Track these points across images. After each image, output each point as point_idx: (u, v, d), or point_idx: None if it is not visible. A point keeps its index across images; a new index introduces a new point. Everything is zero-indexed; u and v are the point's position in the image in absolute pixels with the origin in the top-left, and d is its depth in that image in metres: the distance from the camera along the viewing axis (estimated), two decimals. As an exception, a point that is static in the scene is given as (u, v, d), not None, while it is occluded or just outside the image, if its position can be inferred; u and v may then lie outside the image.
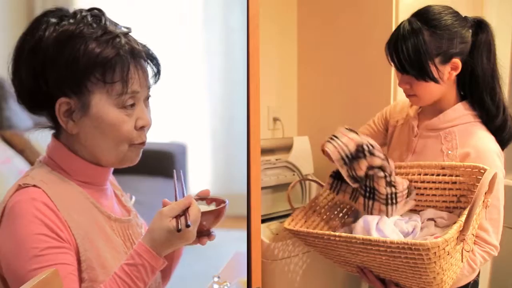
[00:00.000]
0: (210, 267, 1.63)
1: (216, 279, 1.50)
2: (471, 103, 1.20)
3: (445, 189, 1.15)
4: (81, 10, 0.82)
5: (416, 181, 1.19)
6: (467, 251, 1.01)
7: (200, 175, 3.17)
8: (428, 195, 1.19)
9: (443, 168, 1.14)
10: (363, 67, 1.78)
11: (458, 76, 1.18)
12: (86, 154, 0.84)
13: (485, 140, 1.16)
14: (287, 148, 1.96)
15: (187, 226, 0.77)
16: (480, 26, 1.18)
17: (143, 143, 0.87)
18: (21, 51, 0.80)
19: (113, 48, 0.80)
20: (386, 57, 1.20)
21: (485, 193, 1.02)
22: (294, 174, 1.87)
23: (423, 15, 1.16)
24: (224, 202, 0.91)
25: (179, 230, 0.77)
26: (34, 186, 0.77)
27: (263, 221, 1.56)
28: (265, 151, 1.77)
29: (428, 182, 1.18)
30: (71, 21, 0.80)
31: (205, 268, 1.57)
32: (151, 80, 0.87)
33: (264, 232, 1.49)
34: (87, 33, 0.79)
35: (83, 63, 0.78)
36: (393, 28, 1.63)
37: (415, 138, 1.26)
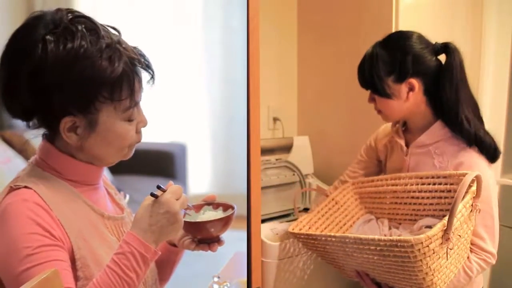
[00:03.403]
0: (210, 267, 1.63)
1: (216, 279, 1.50)
2: (445, 122, 1.24)
3: (440, 197, 1.19)
4: (72, 22, 0.78)
5: (414, 191, 1.25)
6: (450, 249, 1.03)
7: (200, 175, 3.17)
8: (426, 204, 1.23)
9: (438, 177, 1.19)
10: (363, 67, 1.78)
11: (429, 96, 1.24)
12: (82, 157, 0.84)
13: (473, 162, 1.19)
14: (287, 148, 1.96)
15: (158, 187, 0.79)
16: (445, 50, 1.22)
17: (139, 141, 0.88)
18: (17, 73, 0.77)
19: (117, 63, 0.78)
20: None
21: (473, 198, 1.07)
22: (294, 174, 1.87)
23: (384, 40, 1.27)
24: (231, 207, 0.92)
25: (152, 195, 0.79)
26: (26, 187, 0.77)
27: (263, 221, 1.56)
28: (265, 151, 1.77)
29: (425, 191, 1.22)
30: (69, 37, 0.76)
31: (205, 268, 1.56)
32: (145, 84, 0.87)
33: (264, 232, 1.49)
34: (91, 51, 0.76)
35: (91, 84, 0.77)
36: (393, 28, 1.64)
37: (407, 157, 1.31)
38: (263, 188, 1.46)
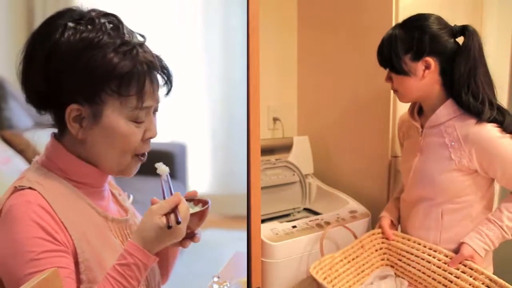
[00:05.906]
0: (210, 267, 1.63)
1: (216, 279, 1.50)
2: (455, 99, 1.28)
3: None
4: (98, 16, 0.80)
5: (452, 273, 1.25)
6: None
7: (200, 175, 3.17)
8: None
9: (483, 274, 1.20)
10: (363, 67, 1.78)
11: (445, 77, 1.28)
12: (88, 158, 0.84)
13: (481, 129, 1.23)
14: (287, 148, 1.96)
15: (178, 223, 0.78)
16: (464, 33, 1.26)
17: (144, 155, 0.87)
18: (34, 55, 0.79)
19: (130, 60, 0.79)
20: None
21: None
22: (294, 174, 1.87)
23: (403, 21, 1.32)
24: (207, 203, 0.90)
25: (169, 227, 0.78)
26: (30, 188, 0.77)
27: (263, 221, 1.56)
28: (265, 151, 1.77)
29: (465, 281, 1.22)
30: (89, 27, 0.78)
31: (205, 268, 1.57)
32: (162, 93, 0.87)
33: (264, 232, 1.49)
34: (105, 43, 0.78)
35: (99, 74, 0.78)
36: (393, 28, 1.64)
37: (421, 137, 1.35)
38: (263, 188, 1.46)
